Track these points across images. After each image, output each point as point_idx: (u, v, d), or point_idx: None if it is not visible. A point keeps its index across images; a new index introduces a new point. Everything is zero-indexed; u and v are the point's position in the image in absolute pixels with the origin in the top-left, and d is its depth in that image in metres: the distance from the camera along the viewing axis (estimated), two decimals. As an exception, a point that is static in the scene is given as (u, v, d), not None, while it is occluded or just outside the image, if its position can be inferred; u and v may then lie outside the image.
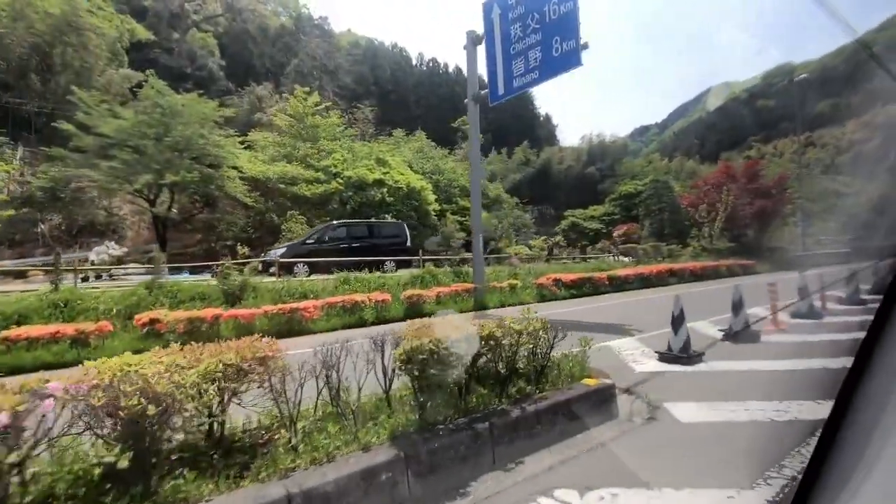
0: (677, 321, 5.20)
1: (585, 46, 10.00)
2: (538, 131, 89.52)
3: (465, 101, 13.34)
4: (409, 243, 16.53)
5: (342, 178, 33.40)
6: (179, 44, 53.75)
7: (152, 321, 8.08)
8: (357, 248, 14.30)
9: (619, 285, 15.19)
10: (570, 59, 10.11)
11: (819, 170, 63.50)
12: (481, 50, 12.44)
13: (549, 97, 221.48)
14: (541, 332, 3.63)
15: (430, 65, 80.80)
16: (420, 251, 15.72)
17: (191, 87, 52.89)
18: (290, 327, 9.14)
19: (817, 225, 36.41)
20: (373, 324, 10.07)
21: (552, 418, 3.18)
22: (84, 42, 36.64)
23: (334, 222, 16.31)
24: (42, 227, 31.76)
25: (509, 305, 12.46)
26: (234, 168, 30.69)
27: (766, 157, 76.91)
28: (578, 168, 73.17)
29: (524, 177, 68.88)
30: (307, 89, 39.76)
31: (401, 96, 74.09)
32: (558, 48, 10.24)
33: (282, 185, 31.82)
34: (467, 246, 37.09)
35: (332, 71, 60.21)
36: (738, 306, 6.15)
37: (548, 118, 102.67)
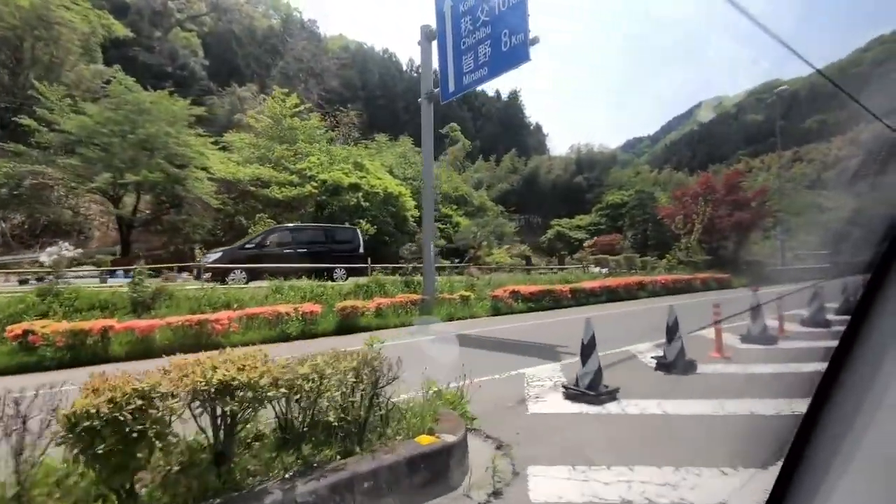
0: (587, 350, 4.33)
1: (535, 41, 9.24)
2: (528, 140, 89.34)
3: (419, 99, 12.56)
4: (362, 249, 15.61)
5: (317, 182, 32.49)
6: (161, 42, 52.73)
7: (25, 333, 7.09)
8: (304, 255, 13.37)
9: (582, 299, 14.37)
10: (518, 54, 9.35)
11: (804, 184, 63.64)
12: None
13: (541, 107, 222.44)
14: (364, 371, 2.74)
15: (419, 72, 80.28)
16: (368, 258, 14.80)
17: (170, 86, 51.91)
18: (197, 341, 8.16)
19: (799, 239, 36.04)
20: (298, 338, 9.15)
21: (342, 499, 2.29)
22: (55, 36, 35.56)
23: (278, 226, 15.41)
24: (2, 225, 30.57)
25: (459, 319, 11.62)
26: (204, 169, 29.72)
27: (752, 170, 77.19)
28: (566, 177, 72.84)
29: (511, 185, 68.36)
30: (286, 90, 38.90)
31: (389, 101, 73.57)
32: (507, 42, 9.49)
33: (252, 188, 30.86)
34: (445, 254, 36.36)
35: (319, 74, 59.47)
36: (672, 331, 5.31)
37: (538, 127, 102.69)
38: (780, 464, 1.06)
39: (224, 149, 36.14)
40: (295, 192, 31.35)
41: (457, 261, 35.06)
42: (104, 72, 36.08)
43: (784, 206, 51.86)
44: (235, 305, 9.96)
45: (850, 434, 0.89)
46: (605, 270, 23.10)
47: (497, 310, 12.47)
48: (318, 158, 34.46)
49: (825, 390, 0.97)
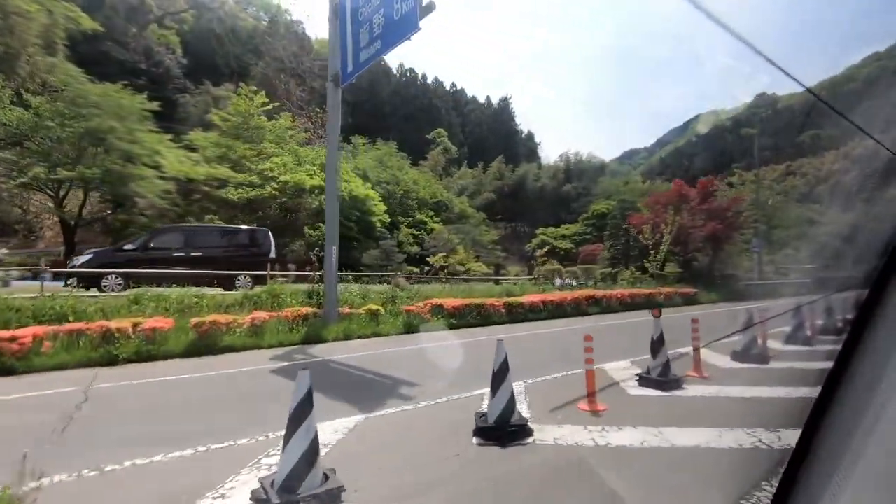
0: (498, 378, 2.67)
1: (430, 7, 7.67)
2: (518, 148, 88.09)
3: (327, 83, 10.98)
4: (273, 253, 13.96)
5: (278, 183, 30.90)
6: (137, 38, 51.35)
7: None
8: (201, 259, 11.71)
9: (519, 315, 12.72)
10: (409, 23, 7.81)
11: (794, 197, 62.59)
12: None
13: (538, 117, 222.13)
14: None
15: (408, 75, 79.33)
16: (276, 264, 13.23)
17: (145, 83, 50.62)
18: (-18, 364, 6.51)
19: (782, 252, 34.56)
20: (130, 361, 7.47)
21: None
22: (10, 26, 34.06)
23: (167, 226, 13.80)
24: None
25: (360, 337, 9.95)
26: (155, 167, 28.14)
27: (745, 183, 76.33)
28: (555, 186, 71.52)
29: (498, 193, 66.95)
30: (254, 89, 37.44)
31: (375, 105, 72.28)
32: (398, 9, 7.93)
33: (206, 188, 29.25)
34: (416, 262, 34.69)
35: (300, 75, 58.08)
36: (497, 380, 3.65)
37: (530, 135, 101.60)
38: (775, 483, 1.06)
39: (188, 147, 34.60)
40: (253, 194, 29.75)
41: (427, 269, 33.47)
42: (60, 65, 34.56)
43: (776, 219, 50.52)
44: (72, 317, 8.30)
45: (850, 450, 0.88)
46: (573, 282, 21.54)
47: (410, 326, 10.79)
48: (283, 159, 32.87)
49: (823, 405, 0.96)
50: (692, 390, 4.90)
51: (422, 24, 7.66)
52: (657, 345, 4.98)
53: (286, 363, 7.34)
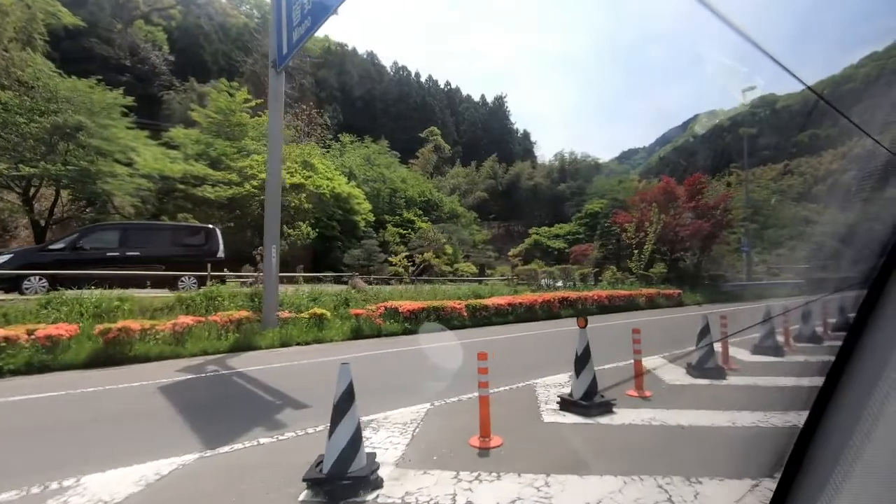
0: None
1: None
2: (513, 147, 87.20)
3: (269, 67, 10.17)
4: (221, 253, 13.13)
5: (257, 181, 30.04)
6: (122, 35, 50.50)
7: None
8: (139, 259, 10.89)
9: (483, 318, 11.90)
10: (335, -5, 6.97)
11: (791, 196, 61.88)
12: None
13: (534, 118, 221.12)
14: None
15: (402, 73, 78.51)
16: (217, 265, 12.39)
17: (130, 80, 49.81)
18: None
19: (774, 252, 33.75)
20: (19, 373, 6.66)
21: None
22: (-17, 20, 33.21)
23: (100, 223, 12.98)
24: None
25: (300, 343, 9.13)
26: (128, 164, 27.36)
27: (742, 182, 75.73)
28: (549, 185, 70.71)
29: (491, 192, 66.12)
30: (236, 84, 36.61)
31: (367, 104, 71.43)
32: (325, -19, 7.12)
33: (181, 186, 28.41)
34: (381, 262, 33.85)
35: (289, 73, 57.23)
36: (338, 413, 2.83)
37: (526, 134, 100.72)
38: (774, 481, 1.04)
39: (168, 145, 33.81)
40: (230, 192, 28.90)
41: (412, 269, 32.62)
42: (28, 59, 33.74)
43: (772, 219, 49.71)
44: (-35, 324, 7.47)
45: (848, 450, 0.88)
46: (557, 283, 20.68)
47: (358, 332, 9.97)
48: (264, 157, 31.98)
49: (823, 403, 0.97)
50: (624, 416, 4.09)
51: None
52: (581, 361, 4.16)
53: (191, 376, 6.52)
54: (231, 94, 35.14)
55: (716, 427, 3.81)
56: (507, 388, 5.24)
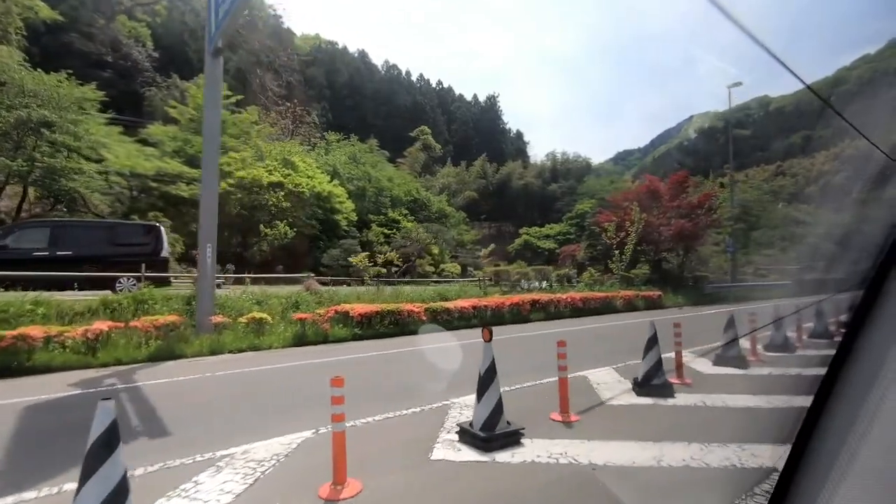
0: None
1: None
2: (506, 147, 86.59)
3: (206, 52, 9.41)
4: (165, 252, 12.35)
5: (233, 179, 29.23)
6: (104, 30, 49.48)
7: None
8: (69, 259, 10.11)
9: (446, 322, 11.19)
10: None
11: (783, 197, 61.63)
12: None
13: (531, 118, 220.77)
14: None
15: (393, 72, 77.75)
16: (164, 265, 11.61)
17: (111, 76, 48.83)
18: None
19: (763, 253, 33.24)
20: None
21: None
22: (-49, 12, 32.32)
23: (28, 221, 12.21)
24: None
25: (233, 351, 8.40)
26: (99, 161, 26.56)
27: (738, 183, 75.83)
28: (541, 185, 70.12)
29: (482, 192, 65.46)
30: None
31: (357, 103, 70.63)
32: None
33: (154, 184, 27.59)
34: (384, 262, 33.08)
35: (276, 69, 56.39)
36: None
37: (519, 134, 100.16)
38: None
39: (145, 142, 32.97)
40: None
41: (395, 270, 31.86)
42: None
43: (762, 219, 49.27)
44: None
45: (845, 453, 0.89)
46: (541, 284, 19.96)
47: (303, 338, 9.24)
48: (241, 154, 31.18)
49: (821, 401, 0.98)
50: (531, 449, 3.37)
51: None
52: (484, 383, 3.45)
53: (78, 391, 5.77)
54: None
55: (641, 468, 3.09)
56: (416, 409, 4.53)
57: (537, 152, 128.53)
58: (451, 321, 11.30)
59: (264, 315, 9.18)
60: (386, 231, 38.03)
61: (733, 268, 21.33)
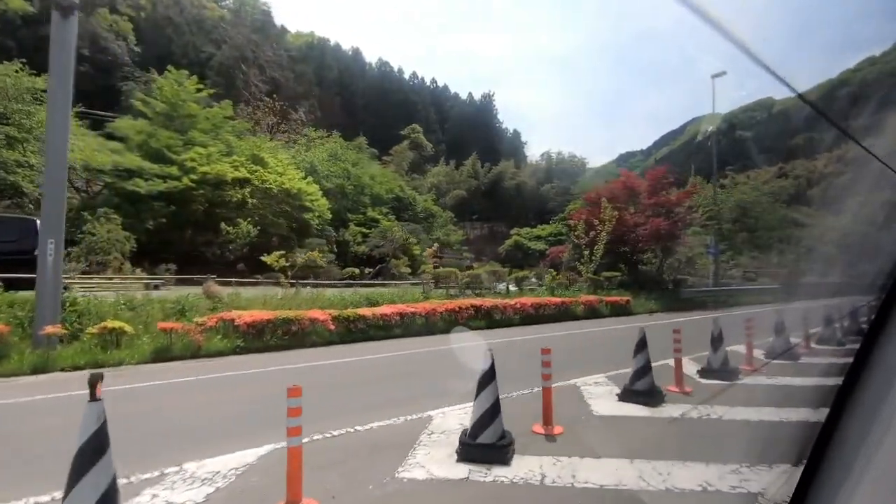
0: None
1: None
2: (501, 146, 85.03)
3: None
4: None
5: (196, 175, 27.85)
6: (83, 23, 48.31)
7: None
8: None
9: (360, 332, 9.68)
10: None
11: (783, 198, 59.84)
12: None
13: (532, 119, 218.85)
14: None
15: (385, 69, 76.42)
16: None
17: (87, 70, 47.61)
18: None
19: (755, 255, 31.54)
20: None
21: None
22: None
23: None
24: None
25: (67, 369, 6.92)
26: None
27: (738, 185, 74.24)
28: (534, 185, 68.54)
29: (474, 191, 63.96)
30: (185, 73, 34.47)
31: (348, 100, 69.35)
32: None
33: (108, 179, 26.24)
34: (361, 262, 31.59)
35: (261, 64, 55.12)
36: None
37: (517, 134, 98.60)
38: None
39: (111, 136, 31.68)
40: (164, 186, 26.68)
41: (369, 271, 30.40)
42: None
43: (761, 221, 47.51)
44: None
45: (862, 459, 0.88)
46: (496, 287, 18.29)
47: (167, 352, 7.75)
48: (208, 149, 29.78)
49: (840, 406, 0.96)
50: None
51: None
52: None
53: None
54: (180, 83, 32.98)
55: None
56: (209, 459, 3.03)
57: (536, 152, 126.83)
58: (366, 331, 9.79)
59: (119, 324, 7.69)
60: (364, 230, 36.60)
61: (716, 271, 19.69)
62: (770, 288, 21.06)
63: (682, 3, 0.89)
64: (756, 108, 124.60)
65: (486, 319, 11.80)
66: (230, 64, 53.87)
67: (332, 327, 9.32)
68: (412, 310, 10.59)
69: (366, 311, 9.94)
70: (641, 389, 4.69)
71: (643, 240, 18.05)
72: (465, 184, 62.62)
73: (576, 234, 17.93)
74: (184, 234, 28.33)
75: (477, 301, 12.04)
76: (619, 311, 14.98)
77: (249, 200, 27.83)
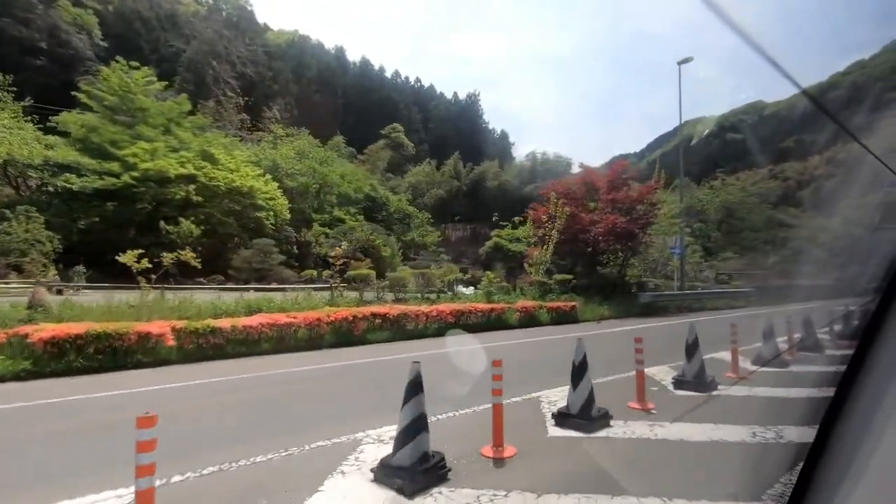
0: None
1: None
2: (487, 147, 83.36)
3: None
4: None
5: (138, 172, 25.98)
6: (43, 16, 46.40)
7: None
8: None
9: (213, 348, 7.92)
10: None
11: (771, 199, 58.74)
12: None
13: (525, 120, 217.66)
14: None
15: (367, 68, 74.77)
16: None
17: (45, 64, 45.60)
18: None
19: (733, 257, 30.01)
20: None
21: None
22: None
23: None
24: None
25: None
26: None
27: (727, 185, 73.22)
28: (518, 185, 66.96)
29: (455, 192, 62.26)
30: (136, 64, 32.67)
31: (326, 98, 67.59)
32: None
33: (33, 174, 24.38)
34: (324, 265, 29.79)
35: (231, 62, 53.30)
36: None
37: (504, 135, 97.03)
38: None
39: (55, 131, 29.83)
40: (101, 183, 24.80)
41: (327, 273, 28.56)
42: None
43: (747, 221, 46.15)
44: None
45: (861, 456, 0.86)
46: (467, 290, 16.76)
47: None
48: (153, 145, 27.88)
49: (834, 414, 0.94)
50: None
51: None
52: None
53: None
54: (126, 72, 31.12)
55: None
56: None
57: (525, 154, 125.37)
58: (222, 347, 8.02)
59: None
60: (328, 231, 34.82)
61: (682, 273, 18.07)
62: (742, 291, 19.49)
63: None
64: (748, 110, 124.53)
65: (395, 330, 10.04)
66: (200, 59, 51.99)
67: (171, 342, 7.55)
68: (288, 320, 8.82)
69: (224, 323, 8.17)
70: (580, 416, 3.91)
71: (600, 239, 16.39)
72: (445, 184, 60.94)
73: (528, 236, 16.30)
74: (125, 234, 26.42)
75: (382, 308, 10.26)
76: (564, 318, 13.25)
77: (194, 198, 25.96)
